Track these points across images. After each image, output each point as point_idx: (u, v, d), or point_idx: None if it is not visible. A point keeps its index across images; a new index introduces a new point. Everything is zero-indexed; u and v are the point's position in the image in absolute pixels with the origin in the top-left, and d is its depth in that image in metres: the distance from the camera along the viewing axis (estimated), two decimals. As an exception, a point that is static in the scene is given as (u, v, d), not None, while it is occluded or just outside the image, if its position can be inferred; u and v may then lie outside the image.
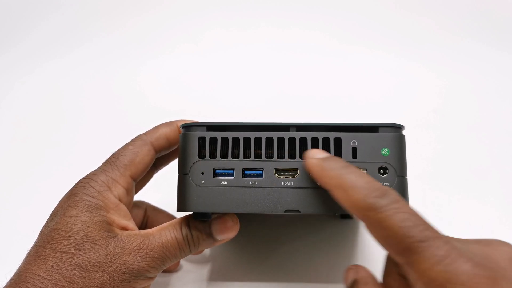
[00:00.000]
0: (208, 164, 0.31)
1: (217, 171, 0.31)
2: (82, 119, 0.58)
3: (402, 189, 0.30)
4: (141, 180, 0.38)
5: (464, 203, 0.47)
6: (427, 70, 0.59)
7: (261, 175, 0.30)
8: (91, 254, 0.30)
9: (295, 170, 0.31)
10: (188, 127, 0.32)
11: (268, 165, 0.30)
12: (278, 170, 0.31)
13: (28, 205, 0.48)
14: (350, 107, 0.56)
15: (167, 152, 0.38)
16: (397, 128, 0.31)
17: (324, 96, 0.57)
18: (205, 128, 0.31)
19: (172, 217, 0.41)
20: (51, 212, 0.33)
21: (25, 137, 0.57)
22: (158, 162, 0.39)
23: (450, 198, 0.48)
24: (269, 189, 0.30)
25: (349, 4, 0.65)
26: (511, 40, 0.61)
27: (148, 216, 0.41)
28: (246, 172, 0.31)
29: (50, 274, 0.28)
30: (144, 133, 0.37)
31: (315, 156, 0.30)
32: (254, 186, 0.30)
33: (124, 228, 0.33)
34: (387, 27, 0.63)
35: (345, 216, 0.44)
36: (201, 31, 0.65)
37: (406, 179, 0.30)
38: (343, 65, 0.61)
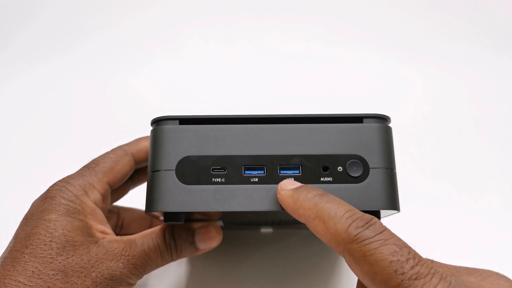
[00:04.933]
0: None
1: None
2: (74, 122, 0.59)
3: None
4: (117, 192, 0.40)
5: (459, 205, 0.50)
6: (422, 73, 0.63)
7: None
8: (73, 259, 0.30)
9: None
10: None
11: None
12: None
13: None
14: (346, 110, 0.59)
15: (145, 165, 0.40)
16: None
17: (318, 99, 0.60)
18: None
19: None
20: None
21: (14, 141, 0.58)
22: (136, 178, 0.41)
23: (447, 198, 0.51)
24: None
25: (344, 6, 0.68)
26: (505, 43, 0.65)
27: (123, 218, 0.42)
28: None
29: (31, 279, 0.29)
30: (126, 144, 0.38)
31: (286, 187, 0.29)
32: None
33: (102, 233, 0.34)
34: (382, 30, 0.66)
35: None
36: (200, 32, 0.67)
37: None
38: (338, 68, 0.63)
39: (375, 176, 0.30)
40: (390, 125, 0.32)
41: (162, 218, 0.33)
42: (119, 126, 0.57)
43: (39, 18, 0.68)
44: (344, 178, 0.30)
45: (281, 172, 0.30)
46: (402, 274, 0.22)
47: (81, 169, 0.36)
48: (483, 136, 0.56)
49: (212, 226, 0.36)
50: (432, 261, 0.27)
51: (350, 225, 0.24)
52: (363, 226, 0.24)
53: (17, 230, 0.33)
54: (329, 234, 0.25)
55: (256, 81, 0.62)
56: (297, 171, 0.30)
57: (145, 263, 0.33)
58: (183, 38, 0.67)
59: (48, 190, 0.34)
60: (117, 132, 0.51)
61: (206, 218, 0.35)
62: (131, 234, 0.35)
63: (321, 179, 0.30)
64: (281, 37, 0.66)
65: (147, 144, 0.38)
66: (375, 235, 0.24)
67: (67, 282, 0.30)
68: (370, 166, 0.30)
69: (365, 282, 0.24)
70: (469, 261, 0.45)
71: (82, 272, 0.30)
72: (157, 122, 0.32)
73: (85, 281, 0.30)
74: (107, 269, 0.31)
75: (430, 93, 0.60)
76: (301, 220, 0.27)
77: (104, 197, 0.36)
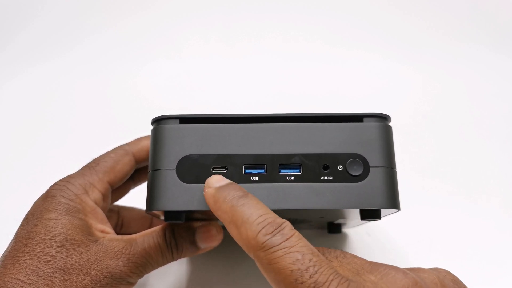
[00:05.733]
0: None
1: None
2: (74, 122, 0.59)
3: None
4: (117, 192, 0.40)
5: (458, 205, 0.50)
6: (422, 73, 0.63)
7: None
8: (73, 257, 0.30)
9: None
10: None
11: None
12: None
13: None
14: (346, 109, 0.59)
15: (145, 164, 0.40)
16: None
17: (318, 99, 0.60)
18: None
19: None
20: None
21: (14, 141, 0.58)
22: (137, 177, 0.41)
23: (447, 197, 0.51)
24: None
25: (344, 6, 0.68)
26: (505, 43, 0.65)
27: (123, 217, 0.42)
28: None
29: (30, 278, 0.29)
30: (127, 144, 0.39)
31: (212, 185, 0.28)
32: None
33: (102, 232, 0.34)
34: (382, 30, 0.67)
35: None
36: (200, 32, 0.67)
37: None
38: (338, 68, 0.63)
39: (376, 175, 0.30)
40: (390, 124, 0.32)
41: (162, 217, 0.33)
42: (119, 126, 0.57)
43: (39, 18, 0.68)
44: (345, 177, 0.30)
45: (282, 171, 0.30)
46: (302, 283, 0.23)
47: (82, 168, 0.36)
48: (483, 136, 0.56)
49: (212, 225, 0.36)
50: (344, 255, 0.27)
51: (259, 231, 0.24)
52: (271, 232, 0.24)
53: (18, 229, 0.33)
54: (241, 239, 0.25)
55: (256, 81, 0.62)
56: (298, 170, 0.30)
57: (146, 261, 0.33)
58: (183, 38, 0.67)
59: (49, 189, 0.34)
60: (117, 132, 0.51)
61: (206, 217, 0.35)
62: (131, 233, 0.35)
63: (322, 178, 0.30)
64: (281, 37, 0.67)
65: (147, 143, 0.39)
66: (281, 242, 0.24)
67: (66, 280, 0.30)
68: (370, 165, 0.30)
69: None
70: (469, 261, 0.45)
71: (81, 270, 0.30)
72: (158, 121, 0.32)
73: (84, 279, 0.30)
74: (106, 268, 0.31)
75: (430, 93, 0.61)
76: (222, 222, 0.27)
77: (104, 196, 0.36)
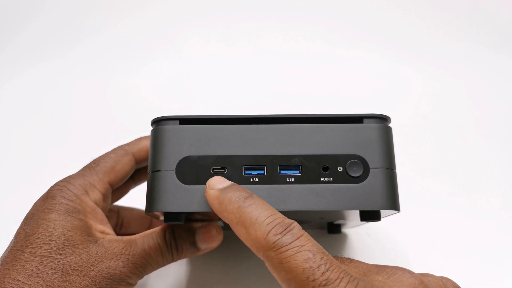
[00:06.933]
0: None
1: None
2: (74, 122, 0.59)
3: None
4: (117, 192, 0.40)
5: (459, 206, 0.50)
6: (422, 73, 0.63)
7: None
8: (73, 258, 0.30)
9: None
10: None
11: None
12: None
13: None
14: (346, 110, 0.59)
15: (145, 164, 0.40)
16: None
17: (318, 99, 0.60)
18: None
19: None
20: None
21: (14, 141, 0.58)
22: (137, 177, 0.41)
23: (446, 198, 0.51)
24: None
25: (344, 6, 0.68)
26: (505, 43, 0.65)
27: (122, 217, 0.42)
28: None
29: (30, 278, 0.29)
30: (127, 144, 0.39)
31: (214, 186, 0.28)
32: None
33: (102, 233, 0.34)
34: (382, 30, 0.67)
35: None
36: (200, 32, 0.67)
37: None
38: (338, 68, 0.63)
39: (375, 176, 0.30)
40: (390, 125, 0.32)
41: (162, 218, 0.33)
42: (119, 126, 0.57)
43: (39, 18, 0.68)
44: (344, 178, 0.30)
45: (281, 172, 0.30)
46: (313, 281, 0.23)
47: (82, 169, 0.36)
48: (483, 136, 0.56)
49: (212, 226, 0.36)
50: (350, 261, 0.28)
51: (269, 232, 0.25)
52: (281, 232, 0.25)
53: (18, 229, 0.33)
54: (250, 240, 0.26)
55: (256, 81, 0.62)
56: (297, 171, 0.30)
57: (146, 262, 0.33)
58: (183, 38, 0.67)
59: (49, 190, 0.34)
60: (117, 132, 0.51)
61: (206, 218, 0.35)
62: (131, 233, 0.35)
63: (321, 179, 0.30)
64: (281, 37, 0.66)
65: (147, 143, 0.39)
66: (292, 242, 0.25)
67: (66, 280, 0.30)
68: (370, 166, 0.30)
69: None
70: (469, 261, 0.45)
71: (81, 271, 0.30)
72: (157, 122, 0.32)
73: (84, 280, 0.30)
74: (106, 268, 0.31)
75: (430, 93, 0.60)
76: (228, 223, 0.27)
77: (104, 196, 0.36)
